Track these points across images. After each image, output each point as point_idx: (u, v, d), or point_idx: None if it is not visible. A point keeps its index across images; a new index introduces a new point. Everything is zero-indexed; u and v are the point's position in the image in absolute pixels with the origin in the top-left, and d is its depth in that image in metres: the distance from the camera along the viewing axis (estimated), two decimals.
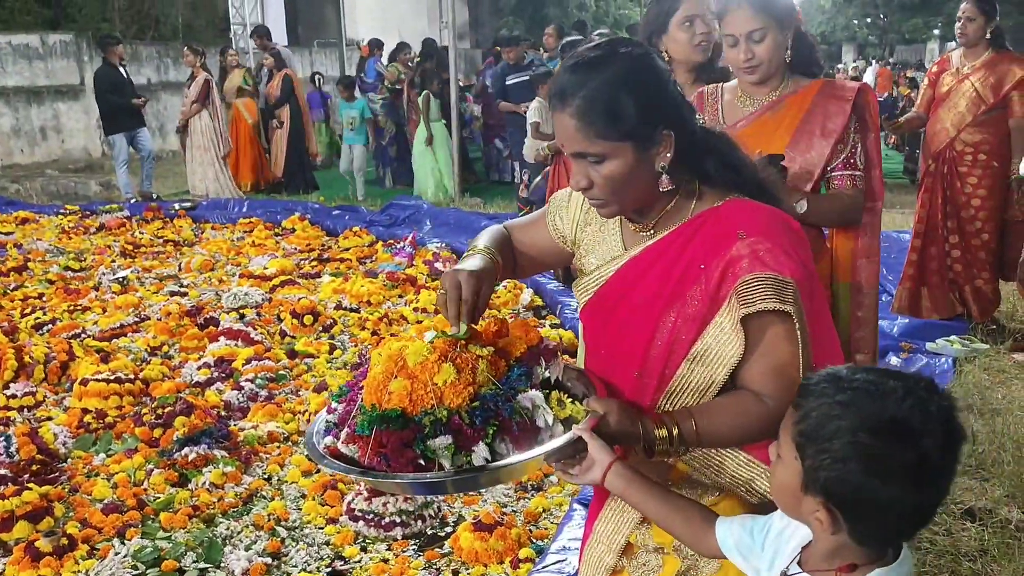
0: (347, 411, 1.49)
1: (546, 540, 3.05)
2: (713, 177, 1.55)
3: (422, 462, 1.37)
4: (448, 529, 3.20)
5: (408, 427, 1.38)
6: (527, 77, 8.98)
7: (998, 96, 4.94)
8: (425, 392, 1.40)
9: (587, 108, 1.42)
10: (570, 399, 1.49)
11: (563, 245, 1.76)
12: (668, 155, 1.47)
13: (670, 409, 1.53)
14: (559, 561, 2.82)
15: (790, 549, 1.29)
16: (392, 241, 7.63)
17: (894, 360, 4.65)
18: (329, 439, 1.49)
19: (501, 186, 11.01)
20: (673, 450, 1.47)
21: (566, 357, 1.72)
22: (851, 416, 1.10)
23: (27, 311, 5.88)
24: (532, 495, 3.45)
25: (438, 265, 6.62)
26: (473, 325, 1.51)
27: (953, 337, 4.90)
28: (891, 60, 27.74)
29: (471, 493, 3.30)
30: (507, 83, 9.70)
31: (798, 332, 1.43)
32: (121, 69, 10.42)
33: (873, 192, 2.57)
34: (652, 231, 1.57)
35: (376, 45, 13.30)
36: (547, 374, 1.53)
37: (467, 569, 2.95)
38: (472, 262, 1.59)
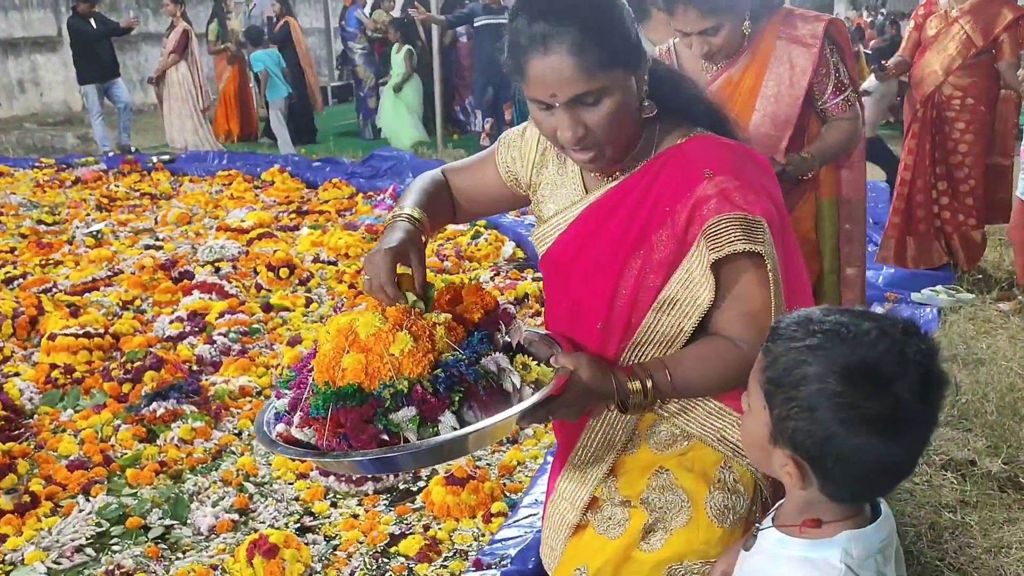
0: (297, 395, 1.39)
1: (520, 494, 3.00)
2: (671, 110, 1.46)
3: (386, 437, 1.27)
4: (420, 484, 3.13)
5: (367, 402, 1.29)
6: (505, 19, 8.70)
7: (988, 39, 4.82)
8: (382, 364, 1.31)
9: (584, 38, 1.29)
10: (535, 362, 1.41)
11: (515, 188, 1.65)
12: (646, 79, 1.39)
13: (637, 361, 1.45)
14: (531, 515, 2.76)
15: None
16: (373, 193, 7.51)
17: (879, 310, 4.58)
18: (281, 426, 1.38)
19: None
20: (648, 403, 1.40)
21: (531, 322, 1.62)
22: (820, 361, 1.00)
23: None
24: (507, 448, 3.39)
25: None
26: (419, 294, 1.42)
27: (939, 287, 4.84)
28: (883, 11, 27.37)
29: (444, 464, 3.12)
30: (476, 24, 9.24)
31: (770, 273, 1.35)
32: (92, 20, 10.10)
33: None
34: (617, 173, 1.47)
35: None
36: (507, 339, 1.44)
37: (439, 524, 2.89)
38: (390, 238, 1.46)
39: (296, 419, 1.34)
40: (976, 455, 3.19)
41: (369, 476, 3.09)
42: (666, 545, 1.53)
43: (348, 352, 1.33)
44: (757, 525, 1.19)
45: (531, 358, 1.41)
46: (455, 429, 1.29)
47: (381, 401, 1.28)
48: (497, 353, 1.37)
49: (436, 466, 3.03)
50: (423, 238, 1.51)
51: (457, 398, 1.30)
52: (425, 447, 1.28)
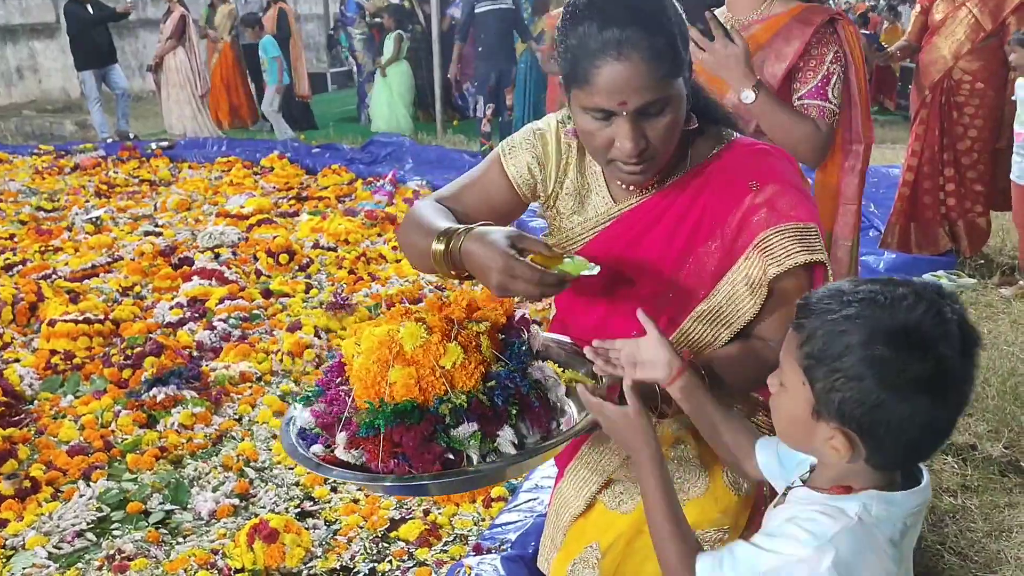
0: (333, 413, 1.30)
1: (520, 478, 2.99)
2: (698, 113, 1.44)
3: (451, 456, 1.21)
4: None
5: (425, 419, 1.22)
6: (506, 5, 8.61)
7: (997, 22, 4.79)
8: (434, 377, 1.24)
9: (661, 46, 1.26)
10: (560, 368, 1.39)
11: (524, 197, 1.56)
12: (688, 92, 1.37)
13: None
14: (531, 500, 2.76)
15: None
16: (372, 179, 7.48)
17: None
18: (319, 448, 1.29)
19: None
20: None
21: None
22: (861, 329, 0.99)
23: None
24: None
25: None
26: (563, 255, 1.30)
27: (940, 272, 4.83)
28: None
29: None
30: (476, 11, 9.06)
31: (831, 278, 1.36)
32: (88, 6, 10.04)
33: (856, 132, 2.41)
34: (652, 185, 1.46)
35: None
36: (531, 345, 1.41)
37: (439, 509, 2.89)
38: (485, 241, 1.29)
39: (341, 439, 1.26)
40: (977, 439, 3.18)
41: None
42: None
43: (393, 366, 1.25)
44: (788, 486, 1.18)
45: (555, 363, 1.39)
46: (514, 444, 1.25)
47: (440, 417, 1.22)
48: (540, 361, 1.34)
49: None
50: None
51: (514, 411, 1.26)
52: (504, 467, 1.23)
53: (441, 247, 1.34)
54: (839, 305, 1.03)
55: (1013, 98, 4.68)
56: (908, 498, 1.07)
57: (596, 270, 1.29)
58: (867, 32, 11.70)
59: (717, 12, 2.41)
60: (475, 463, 1.23)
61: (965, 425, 3.28)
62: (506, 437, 1.25)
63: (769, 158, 1.43)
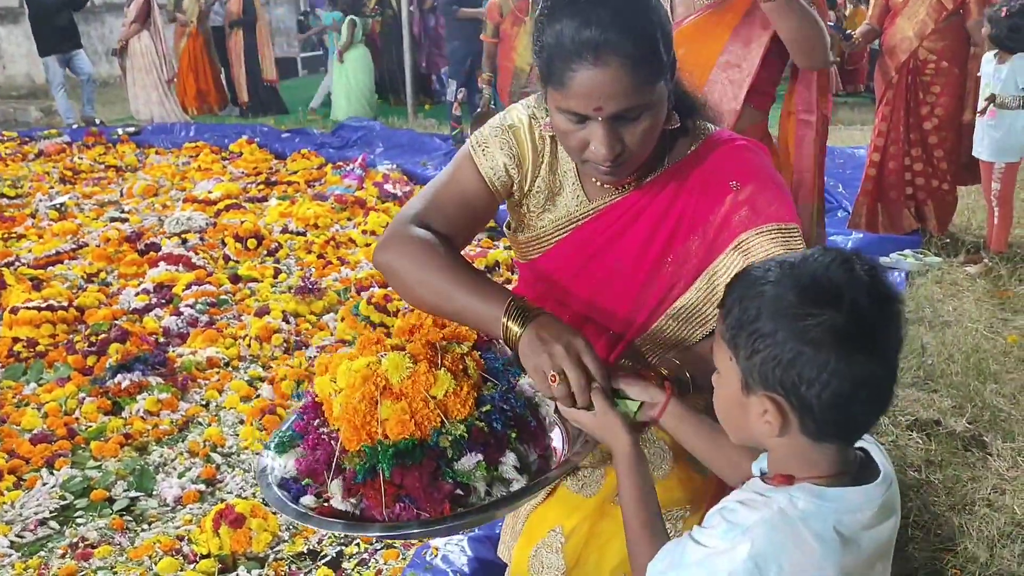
0: (320, 459, 1.22)
1: None
2: (682, 109, 1.42)
3: (460, 492, 1.16)
4: None
5: (427, 456, 1.15)
6: None
7: (958, 1, 4.82)
8: (428, 409, 1.17)
9: (641, 52, 1.21)
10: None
11: (497, 195, 1.51)
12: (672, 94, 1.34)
13: (631, 360, 1.45)
14: None
15: None
16: (342, 163, 7.42)
17: None
18: (309, 499, 1.20)
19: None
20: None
21: None
22: (772, 288, 1.00)
23: None
24: None
25: (388, 187, 6.44)
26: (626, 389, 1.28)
27: (907, 251, 4.87)
28: None
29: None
30: None
31: None
32: None
33: (809, 103, 2.47)
34: (628, 183, 1.43)
35: None
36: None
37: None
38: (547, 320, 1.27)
39: (336, 488, 1.18)
40: (941, 415, 3.22)
41: None
42: None
43: (381, 402, 1.17)
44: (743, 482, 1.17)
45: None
46: (516, 468, 1.20)
47: (441, 451, 1.16)
48: (526, 378, 1.29)
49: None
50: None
51: (514, 435, 1.21)
52: (517, 497, 1.18)
53: (517, 329, 1.26)
54: (755, 275, 1.03)
55: (979, 74, 4.72)
56: (845, 494, 1.02)
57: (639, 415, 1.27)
58: (833, 23, 11.74)
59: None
60: (482, 495, 1.18)
61: (929, 401, 3.31)
62: (509, 463, 1.20)
63: (748, 154, 1.42)
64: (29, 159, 8.15)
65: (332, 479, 1.19)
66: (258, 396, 3.57)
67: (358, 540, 2.63)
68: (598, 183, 1.45)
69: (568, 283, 1.50)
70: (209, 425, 3.36)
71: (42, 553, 2.64)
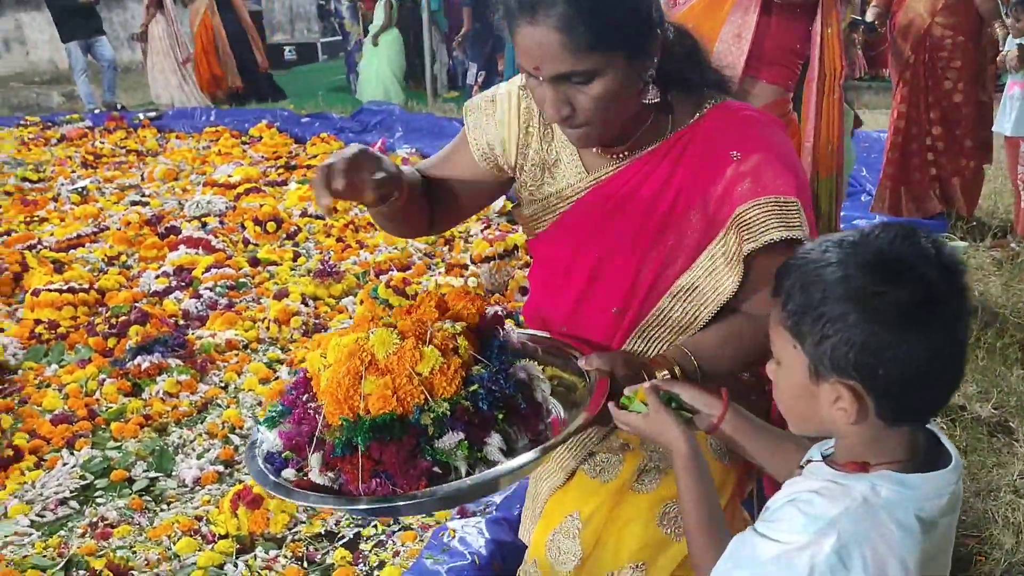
0: (303, 433, 1.21)
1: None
2: (682, 80, 1.38)
3: (438, 471, 1.14)
4: None
5: (407, 432, 1.13)
6: None
7: None
8: (412, 386, 1.15)
9: (574, 14, 1.18)
10: (540, 366, 1.33)
11: (495, 172, 1.52)
12: (656, 61, 1.29)
13: (644, 347, 1.41)
14: None
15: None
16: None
17: None
18: (290, 472, 1.20)
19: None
20: None
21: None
22: (837, 268, 0.95)
23: None
24: None
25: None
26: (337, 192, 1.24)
27: None
28: None
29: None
30: None
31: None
32: None
33: (811, 73, 2.41)
34: (625, 152, 1.40)
35: None
36: (507, 340, 1.35)
37: None
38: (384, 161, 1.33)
39: (315, 461, 1.17)
40: (967, 400, 3.17)
41: None
42: (662, 484, 1.49)
43: (366, 377, 1.16)
44: (801, 464, 1.11)
45: (538, 364, 1.33)
46: (502, 450, 1.18)
47: (422, 429, 1.14)
48: (524, 362, 1.27)
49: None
50: (401, 189, 1.36)
51: (501, 416, 1.19)
52: (497, 475, 1.15)
53: None
54: (814, 255, 0.98)
55: (1003, 49, 4.64)
56: (927, 481, 0.98)
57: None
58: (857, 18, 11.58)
59: None
60: (463, 475, 1.16)
61: None
62: (494, 444, 1.18)
63: (755, 125, 1.36)
64: (52, 144, 8.19)
65: (312, 452, 1.19)
66: (277, 378, 3.57)
67: (375, 521, 2.62)
68: (597, 151, 1.42)
69: (571, 259, 1.47)
70: (228, 407, 3.37)
71: (62, 532, 2.66)
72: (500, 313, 1.38)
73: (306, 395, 1.26)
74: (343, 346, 1.21)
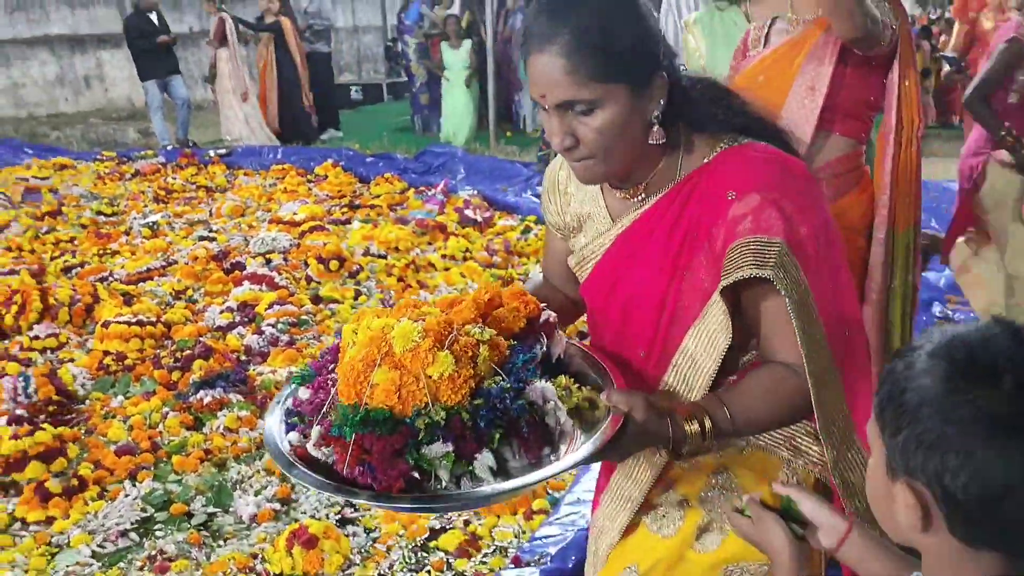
0: (316, 402, 1.25)
1: (562, 491, 2.94)
2: (700, 122, 1.38)
3: (416, 475, 1.15)
4: None
5: (398, 431, 1.15)
6: None
7: None
8: (417, 387, 1.17)
9: (578, 44, 1.22)
10: (576, 385, 1.30)
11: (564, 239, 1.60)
12: (662, 101, 1.30)
13: (677, 388, 1.39)
14: (572, 513, 2.71)
15: None
16: (424, 188, 7.51)
17: (939, 313, 4.44)
18: (295, 436, 1.25)
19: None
20: (705, 446, 1.30)
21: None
22: (925, 358, 0.86)
23: (57, 255, 5.89)
24: None
25: (469, 212, 6.48)
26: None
27: None
28: (949, 8, 26.64)
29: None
30: None
31: (784, 297, 1.27)
32: (152, 16, 10.29)
33: (888, 124, 2.36)
34: (643, 195, 1.41)
35: None
36: (551, 352, 1.34)
37: (479, 519, 2.85)
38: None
39: (314, 434, 1.21)
40: None
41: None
42: (722, 546, 1.46)
43: (379, 366, 1.19)
44: None
45: (571, 378, 1.31)
46: (491, 469, 1.17)
47: (414, 431, 1.15)
48: (542, 382, 1.25)
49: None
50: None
51: (497, 435, 1.18)
52: (469, 498, 1.16)
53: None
54: (915, 342, 0.91)
55: None
56: None
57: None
58: (944, 55, 11.43)
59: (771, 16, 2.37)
60: (444, 483, 1.16)
61: None
62: (483, 462, 1.16)
63: (756, 165, 1.34)
64: (126, 178, 8.46)
65: (315, 424, 1.22)
66: None
67: (429, 566, 2.61)
68: (618, 195, 1.44)
69: (605, 306, 1.48)
70: None
71: (121, 564, 2.70)
72: (552, 321, 1.38)
73: (332, 364, 1.30)
74: (372, 329, 1.23)
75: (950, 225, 5.09)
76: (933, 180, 6.72)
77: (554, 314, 1.41)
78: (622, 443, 1.22)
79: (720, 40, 2.73)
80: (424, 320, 1.23)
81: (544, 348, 1.33)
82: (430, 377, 1.17)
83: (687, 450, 1.28)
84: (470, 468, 1.16)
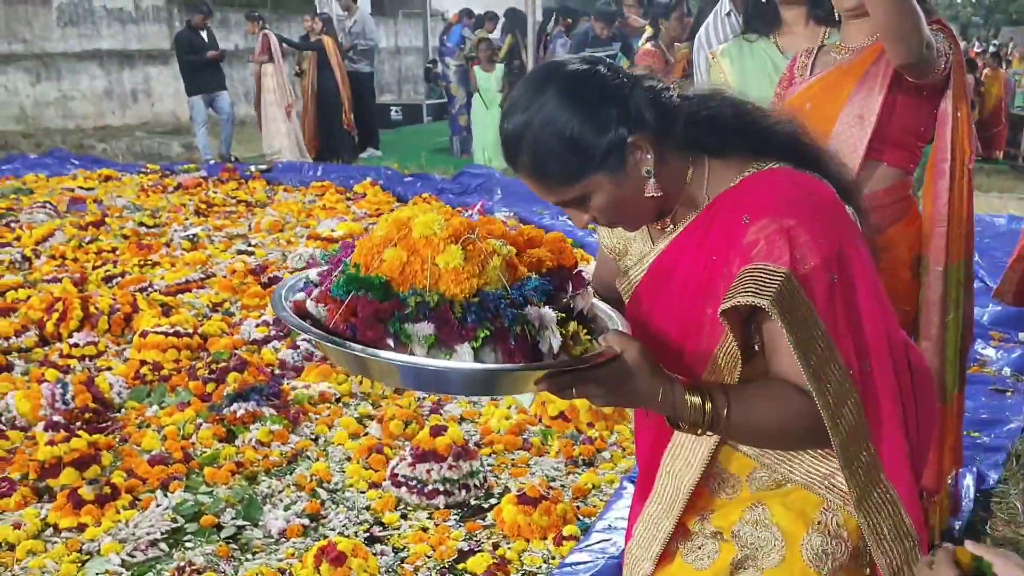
0: (331, 270, 1.32)
1: (593, 517, 2.91)
2: (719, 150, 1.37)
3: (390, 343, 1.18)
4: (492, 501, 3.08)
5: (389, 300, 1.19)
6: (615, 51, 8.53)
7: None
8: (421, 269, 1.21)
9: (537, 166, 1.29)
10: (589, 338, 1.30)
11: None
12: (649, 157, 1.29)
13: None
14: (603, 540, 2.67)
15: None
16: (461, 208, 7.52)
17: (982, 350, 4.35)
18: (300, 295, 1.32)
19: None
20: (703, 425, 1.28)
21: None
22: None
23: (99, 264, 5.97)
24: (583, 470, 3.31)
25: None
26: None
27: None
28: (996, 42, 26.42)
29: (429, 395, 2.86)
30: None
31: (781, 326, 1.24)
32: (202, 33, 10.50)
33: (943, 152, 2.32)
34: (671, 223, 1.42)
35: (466, 14, 13.16)
36: (572, 303, 1.34)
37: (508, 543, 2.82)
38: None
39: (316, 292, 1.29)
40: None
41: (441, 489, 3.04)
42: None
43: (395, 245, 1.24)
44: None
45: (585, 332, 1.30)
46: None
47: (403, 305, 1.19)
48: (546, 308, 1.25)
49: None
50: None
51: (483, 335, 1.19)
52: (417, 365, 1.18)
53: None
54: None
55: None
56: None
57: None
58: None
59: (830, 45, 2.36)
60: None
61: None
62: (462, 354, 1.18)
63: (777, 190, 1.32)
64: (168, 191, 8.59)
65: (320, 285, 1.29)
66: (366, 434, 3.60)
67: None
68: (656, 225, 1.45)
69: (642, 332, 1.45)
70: (317, 460, 3.40)
71: (150, 574, 2.70)
72: (584, 275, 1.39)
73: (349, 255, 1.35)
74: (395, 217, 1.30)
75: (1012, 261, 4.99)
76: (976, 214, 6.62)
77: (588, 271, 1.44)
78: (603, 374, 1.22)
79: (751, 73, 2.72)
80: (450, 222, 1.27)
81: (568, 296, 1.34)
82: (436, 265, 1.21)
83: (685, 421, 1.28)
84: (448, 357, 1.18)
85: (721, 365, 1.35)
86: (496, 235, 1.32)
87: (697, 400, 1.27)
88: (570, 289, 1.34)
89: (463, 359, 1.18)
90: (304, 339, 4.42)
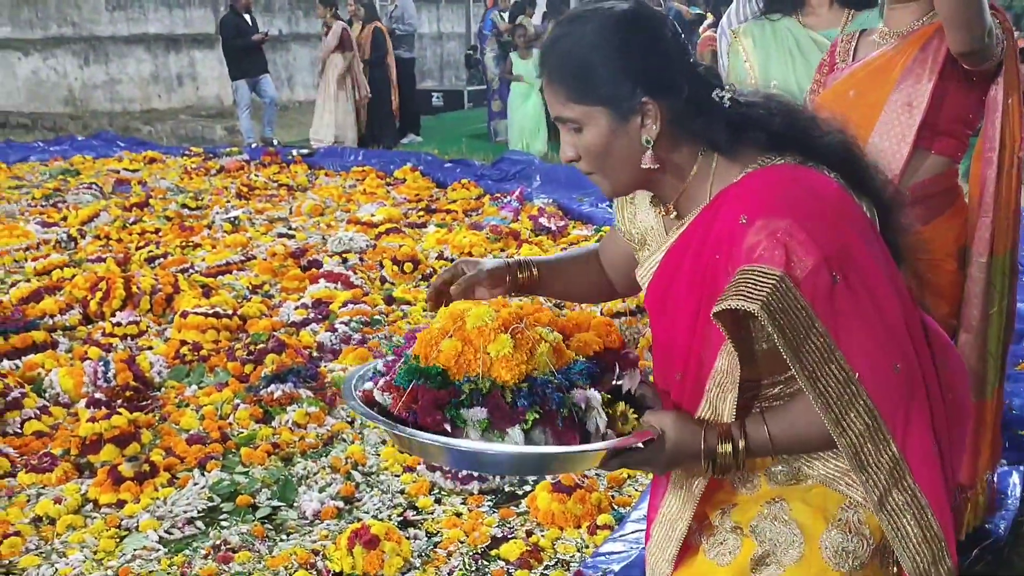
0: (395, 361, 1.42)
1: (628, 507, 2.88)
2: (725, 144, 1.34)
3: (448, 428, 1.28)
4: (527, 488, 3.06)
5: (446, 388, 1.30)
6: None
7: None
8: (474, 358, 1.31)
9: (558, 68, 1.33)
10: (636, 416, 1.36)
11: (635, 249, 1.58)
12: (654, 127, 1.29)
13: (706, 414, 1.35)
14: (638, 531, 2.64)
15: None
16: (500, 195, 7.51)
17: None
18: (369, 385, 1.43)
19: None
20: (737, 464, 1.32)
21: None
22: None
23: (142, 245, 6.05)
24: None
25: (543, 220, 6.45)
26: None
27: None
28: None
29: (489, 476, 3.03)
30: None
31: (771, 329, 1.22)
32: (247, 17, 10.55)
33: (991, 140, 2.23)
34: (676, 215, 1.41)
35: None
36: (620, 383, 1.39)
37: (542, 531, 2.81)
38: (487, 261, 1.59)
39: (382, 381, 1.38)
40: None
41: (476, 475, 3.04)
42: None
43: (451, 336, 1.34)
44: None
45: (634, 412, 1.36)
46: (517, 445, 1.27)
47: (458, 392, 1.29)
48: (591, 390, 1.33)
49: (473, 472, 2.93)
50: (505, 282, 1.58)
51: (532, 418, 1.27)
52: (465, 449, 1.27)
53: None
54: None
55: None
56: None
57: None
58: None
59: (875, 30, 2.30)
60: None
61: None
62: (514, 436, 1.27)
63: (776, 187, 1.29)
64: (211, 174, 8.68)
65: (387, 375, 1.39)
66: None
67: (489, 574, 2.58)
68: (670, 215, 1.43)
69: (655, 324, 1.48)
70: (352, 443, 3.41)
71: (187, 552, 2.73)
72: (633, 357, 1.42)
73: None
74: (450, 311, 1.40)
75: None
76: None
77: (636, 353, 1.46)
78: (650, 455, 1.30)
79: (774, 51, 2.68)
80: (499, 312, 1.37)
81: (616, 377, 1.39)
82: (488, 354, 1.30)
83: (718, 469, 1.33)
84: (500, 440, 1.27)
85: (727, 363, 1.32)
86: (543, 322, 1.40)
87: (728, 447, 1.32)
88: (617, 370, 1.40)
89: (512, 440, 1.28)
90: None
